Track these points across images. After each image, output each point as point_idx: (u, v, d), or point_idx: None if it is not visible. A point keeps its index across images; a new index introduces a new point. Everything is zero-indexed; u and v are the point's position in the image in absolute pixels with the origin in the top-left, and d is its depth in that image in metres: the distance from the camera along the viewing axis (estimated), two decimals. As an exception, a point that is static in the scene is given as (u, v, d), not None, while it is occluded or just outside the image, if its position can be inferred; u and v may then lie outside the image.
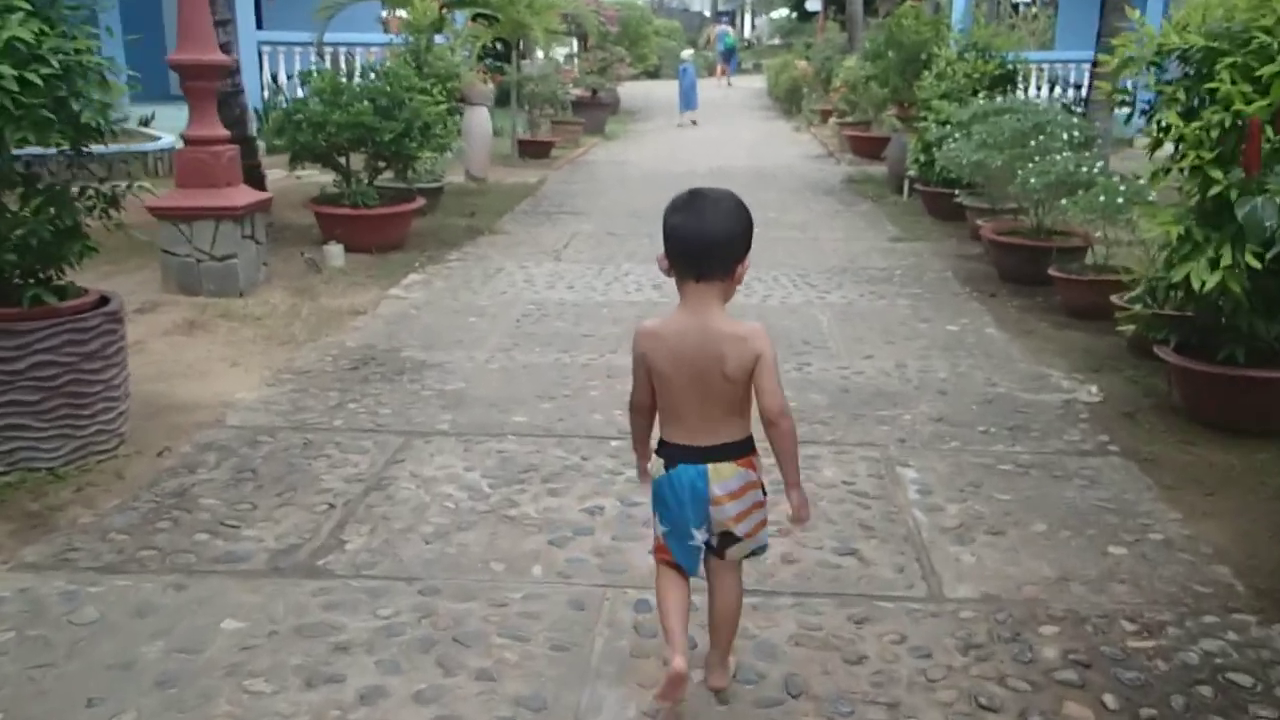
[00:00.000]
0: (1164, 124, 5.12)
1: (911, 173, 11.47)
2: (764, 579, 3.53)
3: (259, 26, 17.80)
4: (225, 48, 9.36)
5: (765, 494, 2.78)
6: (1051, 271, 7.32)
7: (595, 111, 21.23)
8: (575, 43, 22.32)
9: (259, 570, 3.60)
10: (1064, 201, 6.98)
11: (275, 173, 10.40)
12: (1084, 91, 15.15)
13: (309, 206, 9.08)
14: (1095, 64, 12.94)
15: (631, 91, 31.79)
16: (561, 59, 21.70)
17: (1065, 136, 7.71)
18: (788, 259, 9.22)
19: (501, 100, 17.20)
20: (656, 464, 2.76)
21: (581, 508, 4.11)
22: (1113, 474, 4.50)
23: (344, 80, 8.99)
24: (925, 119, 11.17)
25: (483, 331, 6.77)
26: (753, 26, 63.96)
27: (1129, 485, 4.37)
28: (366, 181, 9.02)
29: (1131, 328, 5.60)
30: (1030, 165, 7.41)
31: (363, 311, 7.22)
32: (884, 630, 3.25)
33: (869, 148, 17.26)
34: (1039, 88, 16.04)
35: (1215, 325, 4.95)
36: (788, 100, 27.54)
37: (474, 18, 15.98)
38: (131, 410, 4.91)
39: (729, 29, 47.60)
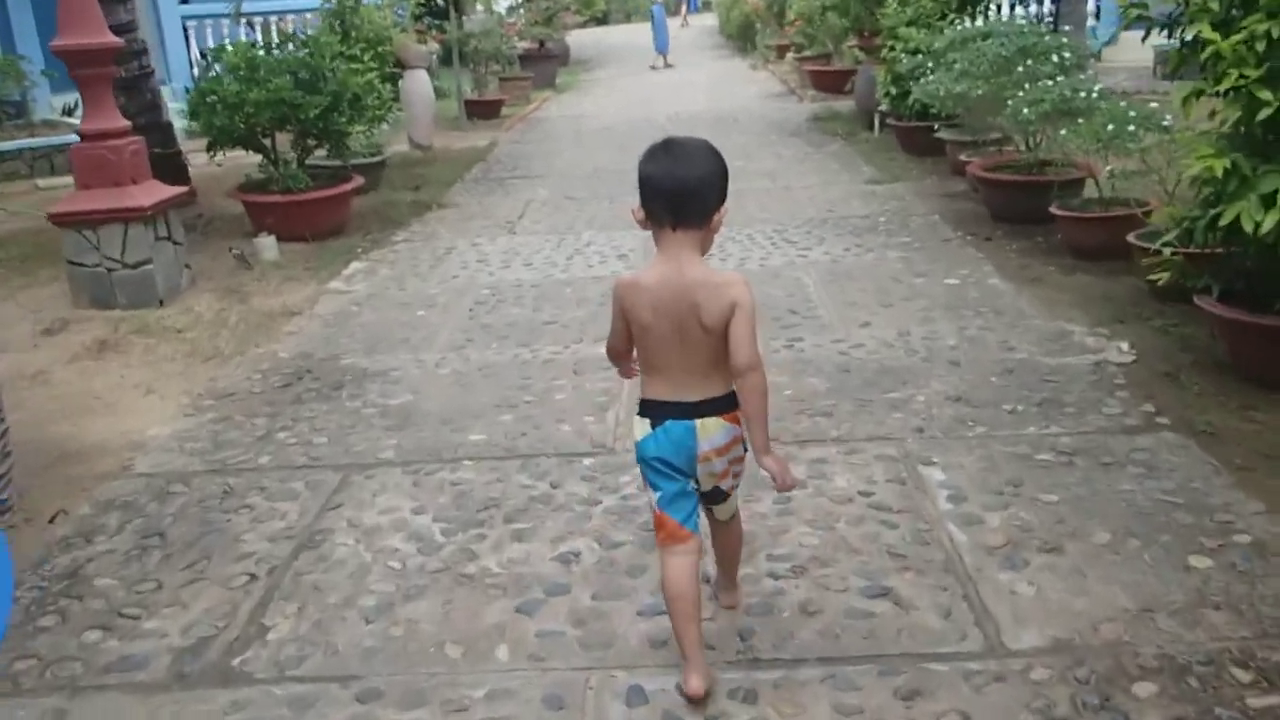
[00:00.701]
0: (1192, 39, 4.44)
1: (883, 107, 10.75)
2: (783, 641, 2.88)
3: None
4: (127, 26, 8.55)
5: (747, 449, 2.70)
6: (1054, 210, 6.65)
7: (544, 64, 20.32)
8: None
9: (159, 681, 2.91)
10: (1063, 132, 6.28)
11: (204, 158, 9.57)
12: (1048, 5, 14.48)
13: (234, 195, 8.28)
14: (1064, -24, 12.29)
15: (581, 40, 30.82)
16: (504, 11, 20.73)
17: (1055, 59, 7.00)
18: (761, 213, 8.51)
19: (446, 60, 16.32)
20: (641, 425, 2.67)
21: (553, 555, 3.43)
22: (1170, 456, 3.85)
23: (262, 52, 8.14)
24: (893, 48, 10.43)
25: (433, 326, 6.05)
26: (699, -36, 62.56)
27: (1193, 470, 3.73)
28: (296, 163, 8.21)
29: (1164, 275, 4.93)
30: (1021, 93, 6.71)
31: (298, 312, 6.48)
32: (941, 709, 2.60)
33: (832, 82, 16.48)
34: (1008, 6, 15.27)
35: (1267, 270, 4.29)
36: (741, 38, 26.64)
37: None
38: (24, 464, 4.20)
39: None
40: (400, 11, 15.15)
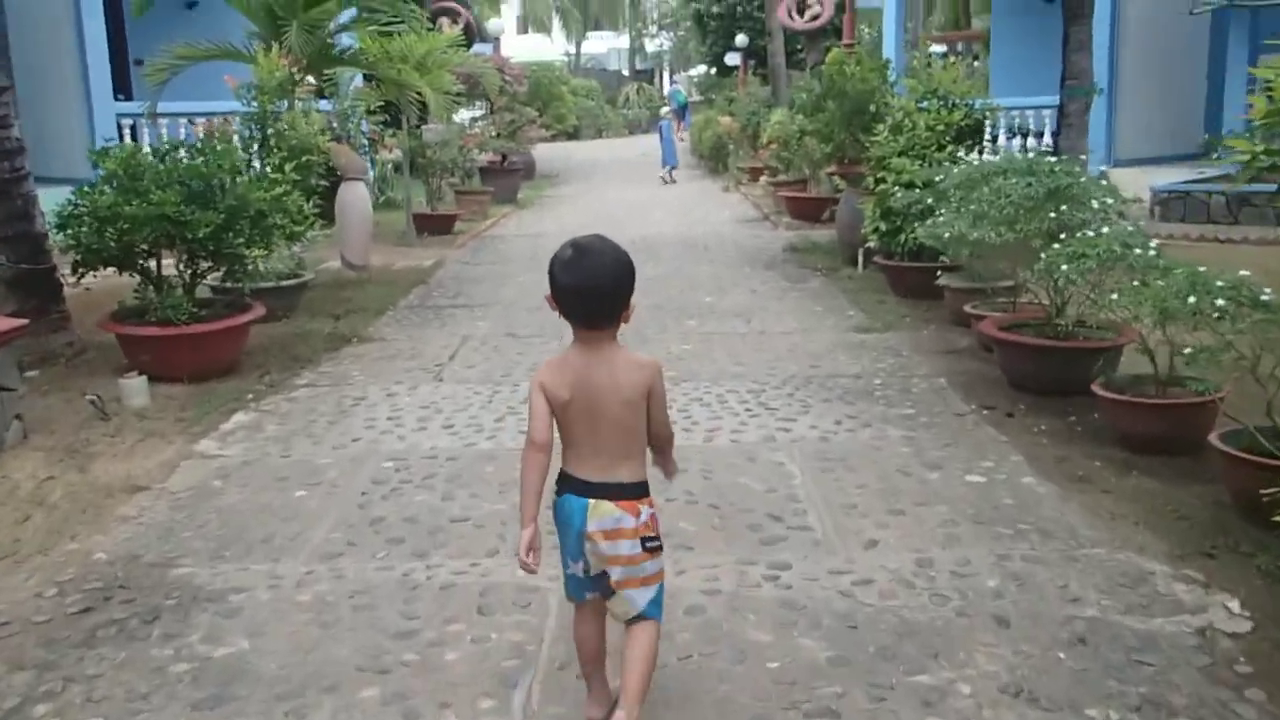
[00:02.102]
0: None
1: (871, 244, 9.59)
2: None
3: (127, 96, 15.62)
4: (2, 122, 7.29)
5: (648, 549, 2.78)
6: (1098, 390, 5.39)
7: (505, 178, 19.27)
8: (481, 105, 20.38)
9: None
10: (1114, 295, 5.06)
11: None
12: (1047, 140, 13.59)
13: (104, 326, 6.89)
14: (1063, 109, 11.37)
15: (549, 154, 30.00)
16: (467, 122, 19.77)
17: (1094, 204, 5.83)
18: (733, 365, 7.24)
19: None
20: (551, 492, 2.80)
21: None
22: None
23: (153, 160, 6.86)
24: (883, 180, 9.34)
25: (309, 517, 4.65)
26: (672, 83, 62.86)
27: None
28: (184, 289, 6.86)
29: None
30: (1056, 245, 5.50)
31: (145, 486, 5.07)
32: None
33: (809, 210, 15.47)
34: (1004, 138, 14.39)
35: None
36: (713, 158, 25.86)
37: (367, 79, 14.00)
38: None
39: (679, 86, 46.10)
40: (357, 117, 14.08)
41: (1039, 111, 13.70)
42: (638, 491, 2.78)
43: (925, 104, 9.53)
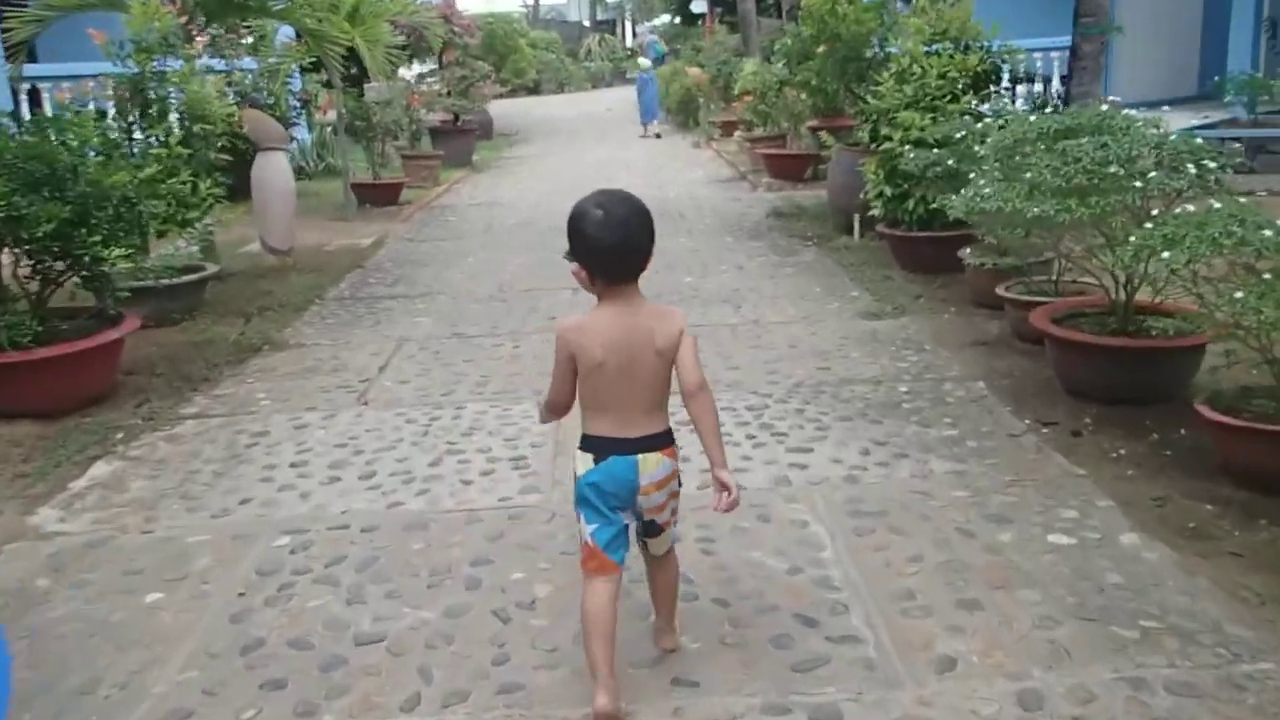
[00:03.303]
0: None
1: (875, 211, 8.27)
2: None
3: (31, 58, 13.99)
4: None
5: (681, 484, 2.94)
6: (1208, 414, 4.13)
7: (459, 140, 17.78)
8: (429, 60, 18.82)
9: None
10: (1239, 294, 3.78)
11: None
12: (1056, 86, 12.31)
13: (-65, 349, 5.49)
14: (1075, 50, 10.07)
15: (508, 111, 28.44)
16: (412, 79, 18.23)
17: (1192, 169, 4.54)
18: (726, 369, 5.95)
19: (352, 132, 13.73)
20: (584, 459, 2.79)
21: None
22: None
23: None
24: (887, 137, 8.02)
25: (157, 643, 3.34)
26: (634, 34, 61.00)
27: None
28: (30, 301, 5.46)
29: None
30: (1150, 224, 4.21)
31: (-55, 588, 3.73)
32: None
33: (789, 168, 14.16)
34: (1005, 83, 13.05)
35: None
36: (681, 112, 24.36)
37: (298, 34, 12.47)
38: None
39: (657, 38, 44.36)
40: (291, 80, 12.58)
41: (1046, 54, 12.36)
42: (671, 437, 2.86)
43: (935, 48, 8.18)
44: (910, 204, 7.97)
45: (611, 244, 2.70)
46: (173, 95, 7.02)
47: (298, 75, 14.11)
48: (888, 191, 8.11)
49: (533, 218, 12.01)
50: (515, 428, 5.14)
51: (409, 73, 21.80)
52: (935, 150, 6.97)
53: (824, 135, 11.97)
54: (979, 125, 6.83)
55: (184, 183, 6.77)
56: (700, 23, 33.20)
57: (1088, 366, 5.10)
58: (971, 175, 6.05)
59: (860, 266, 8.52)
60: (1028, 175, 4.79)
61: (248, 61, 13.24)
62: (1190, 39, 18.03)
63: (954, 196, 6.10)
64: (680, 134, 22.94)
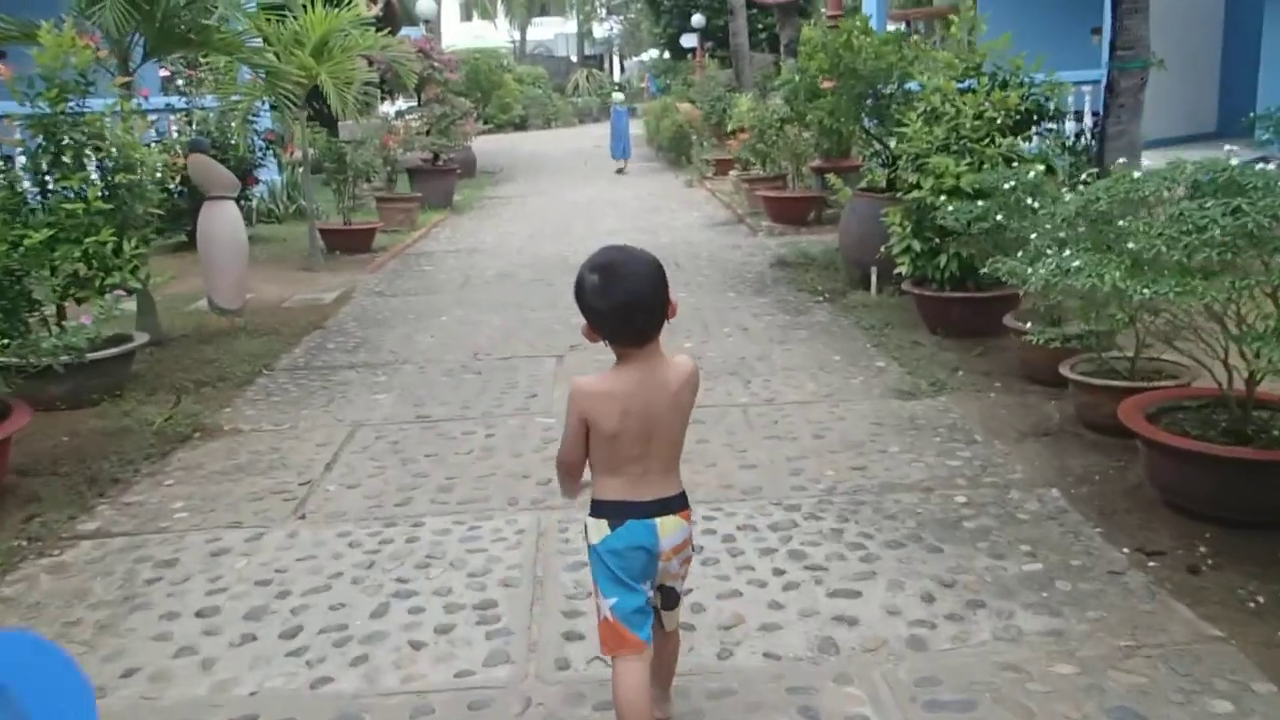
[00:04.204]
0: None
1: (902, 269, 7.29)
2: None
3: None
4: None
5: (694, 549, 2.80)
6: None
7: (438, 180, 16.79)
8: (407, 97, 17.90)
9: None
10: None
11: None
12: (1087, 123, 11.38)
13: None
14: (1112, 86, 9.16)
15: (493, 148, 27.59)
16: (390, 115, 17.27)
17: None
18: (738, 467, 4.95)
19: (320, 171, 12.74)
20: (598, 526, 2.62)
21: None
22: None
23: None
24: (917, 185, 7.06)
25: None
26: (622, 70, 60.47)
27: None
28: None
29: None
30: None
31: None
32: None
33: (792, 211, 13.22)
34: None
35: None
36: (673, 149, 23.50)
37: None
38: None
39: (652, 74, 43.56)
40: (258, 118, 11.59)
41: (1078, 89, 11.44)
42: (686, 499, 2.71)
43: (968, 84, 7.24)
44: (943, 260, 7.00)
45: (614, 311, 2.52)
46: (92, 140, 5.98)
47: (266, 113, 13.18)
48: (916, 246, 7.14)
49: (514, 268, 11.01)
50: (483, 556, 4.11)
51: (389, 109, 20.90)
52: (979, 203, 5.99)
53: (832, 178, 11.07)
54: (1030, 175, 5.88)
55: (103, 242, 5.75)
56: (690, 57, 32.46)
57: (1200, 478, 4.10)
58: (1034, 237, 5.10)
59: (883, 329, 7.53)
60: (1130, 245, 3.79)
61: (209, 100, 12.32)
62: (1209, 75, 17.30)
63: (1005, 259, 5.15)
64: (672, 171, 22.04)
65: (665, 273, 2.59)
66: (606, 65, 60.06)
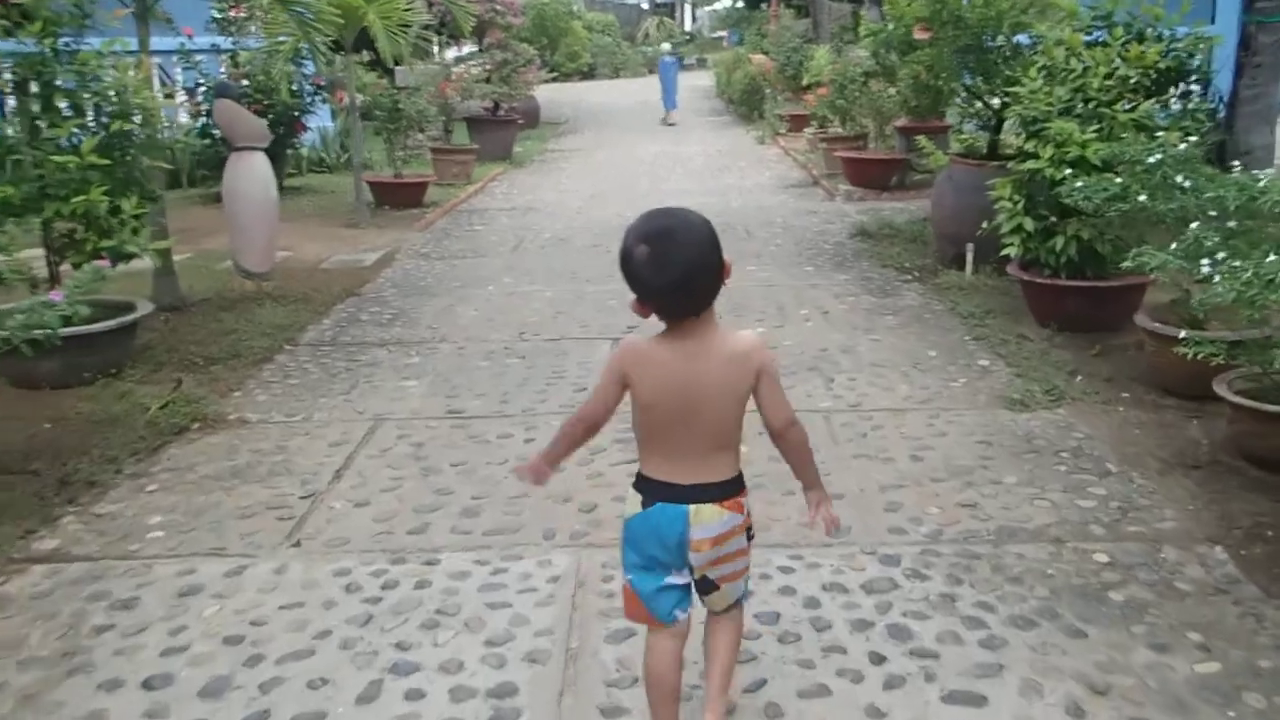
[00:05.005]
0: None
1: (1011, 250, 6.33)
2: None
3: None
4: None
5: (751, 537, 2.54)
6: None
7: (498, 131, 15.98)
8: (469, 43, 17.05)
9: None
10: None
11: None
12: (1214, 92, 10.23)
13: None
14: (1248, 44, 8.07)
15: (558, 97, 26.70)
16: (450, 61, 16.43)
17: None
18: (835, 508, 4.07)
19: (368, 117, 11.97)
20: (634, 500, 2.47)
21: None
22: None
23: None
24: (1034, 154, 6.09)
25: None
26: (693, 19, 58.94)
27: None
28: None
29: None
30: None
31: None
32: None
33: (873, 174, 12.22)
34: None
35: None
36: (744, 103, 22.41)
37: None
38: None
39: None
40: (303, 63, 10.82)
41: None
42: (739, 486, 2.47)
43: (1097, 35, 6.23)
44: (1059, 242, 6.05)
45: (662, 285, 2.29)
46: (92, 83, 5.22)
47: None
48: (1028, 225, 6.18)
49: (571, 231, 10.18)
50: (507, 614, 3.32)
51: (451, 54, 20.06)
52: (1116, 179, 5.04)
53: (922, 140, 10.04)
54: (1182, 146, 4.91)
55: (94, 201, 5.01)
56: (765, 6, 31.16)
57: None
58: (1194, 226, 4.17)
59: (983, 318, 6.59)
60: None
61: (252, 42, 11.59)
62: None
63: (1153, 252, 4.23)
64: (743, 126, 20.99)
65: (717, 236, 2.34)
66: (678, 13, 58.54)
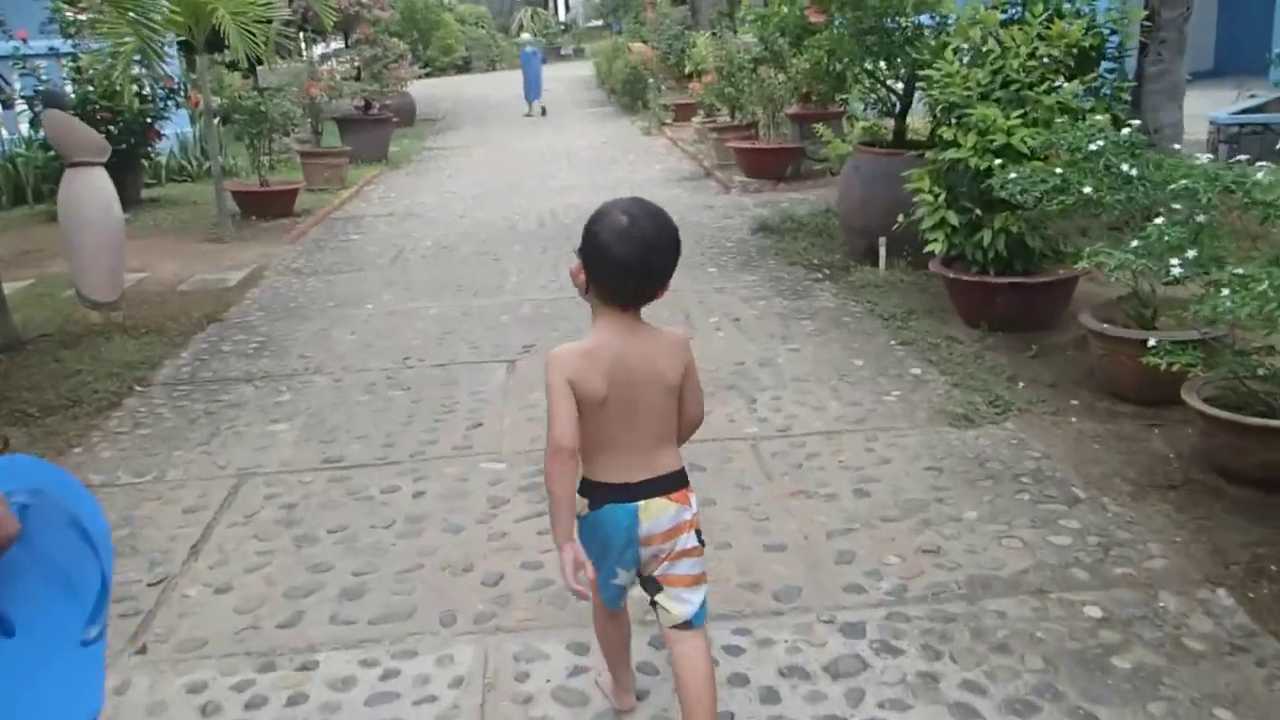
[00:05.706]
0: None
1: (935, 247, 5.88)
2: None
3: None
4: None
5: (701, 542, 2.44)
6: None
7: (370, 131, 15.10)
8: (334, 39, 16.13)
9: None
10: None
11: None
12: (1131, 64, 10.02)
13: None
14: (1153, 20, 7.82)
15: (434, 92, 25.77)
16: (315, 59, 15.50)
17: None
18: (762, 550, 3.58)
19: (227, 120, 11.05)
20: (581, 503, 2.36)
21: None
22: None
23: None
24: (953, 142, 5.65)
25: None
26: (567, 8, 58.16)
27: None
28: None
29: None
30: None
31: None
32: None
33: (768, 164, 11.77)
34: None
35: None
36: (627, 93, 21.84)
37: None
38: None
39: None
40: (156, 65, 9.88)
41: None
42: (684, 479, 2.42)
43: (1016, 12, 5.82)
44: (985, 237, 5.62)
45: (628, 261, 2.24)
46: None
47: (174, 58, 11.52)
48: (952, 219, 5.74)
49: (454, 237, 9.49)
50: (404, 737, 2.69)
51: (319, 52, 19.09)
52: (1056, 170, 4.60)
53: (819, 128, 9.63)
54: (1126, 131, 4.50)
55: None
56: (640, -6, 30.61)
57: None
58: (1158, 220, 3.73)
59: (905, 318, 6.14)
60: None
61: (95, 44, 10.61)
62: (1205, 12, 16.04)
63: (1117, 253, 3.80)
64: (627, 117, 20.41)
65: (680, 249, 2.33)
66: (550, 4, 57.69)
